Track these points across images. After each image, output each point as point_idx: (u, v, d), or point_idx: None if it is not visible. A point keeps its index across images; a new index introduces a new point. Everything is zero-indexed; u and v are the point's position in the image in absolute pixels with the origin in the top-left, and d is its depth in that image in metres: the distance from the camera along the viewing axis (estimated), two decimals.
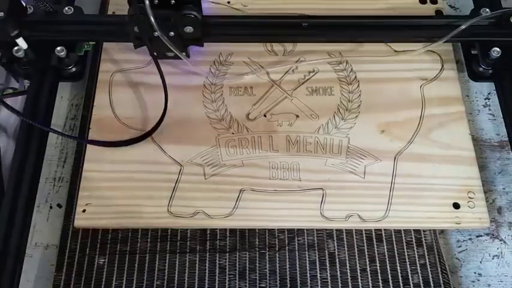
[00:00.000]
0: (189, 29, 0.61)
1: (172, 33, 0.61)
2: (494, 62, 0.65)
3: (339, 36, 0.68)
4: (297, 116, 0.65)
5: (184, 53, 0.64)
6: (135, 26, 0.59)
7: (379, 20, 0.68)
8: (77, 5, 0.69)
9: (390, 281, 0.58)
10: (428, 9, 0.73)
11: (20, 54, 0.62)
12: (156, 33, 0.59)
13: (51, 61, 0.64)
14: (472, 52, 0.69)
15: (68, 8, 0.65)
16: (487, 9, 0.65)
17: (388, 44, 0.70)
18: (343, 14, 0.72)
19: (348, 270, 0.58)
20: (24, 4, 0.63)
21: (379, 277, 0.58)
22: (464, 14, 0.72)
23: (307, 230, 0.61)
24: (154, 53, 0.63)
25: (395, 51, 0.69)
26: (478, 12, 0.65)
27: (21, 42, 0.61)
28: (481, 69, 0.67)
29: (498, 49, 0.64)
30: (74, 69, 0.67)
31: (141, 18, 0.58)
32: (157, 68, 0.63)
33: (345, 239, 0.60)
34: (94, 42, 0.69)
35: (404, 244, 0.60)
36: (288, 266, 0.59)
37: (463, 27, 0.62)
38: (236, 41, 0.70)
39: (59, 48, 0.63)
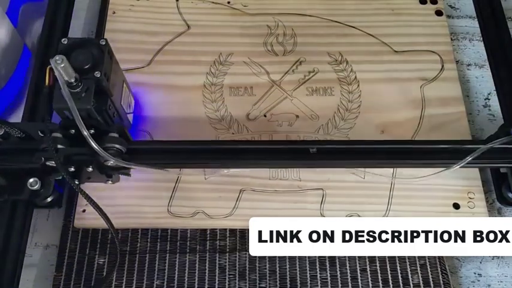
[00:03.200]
0: (110, 163, 0.52)
1: (90, 168, 0.52)
2: None
3: (351, 164, 0.60)
4: (297, 116, 0.65)
5: (110, 181, 0.58)
6: (47, 161, 0.51)
7: (394, 146, 0.58)
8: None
9: (390, 281, 0.58)
10: (428, 9, 0.73)
11: None
12: (71, 169, 0.52)
13: (24, 194, 0.53)
14: (501, 171, 0.61)
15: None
16: None
17: (388, 44, 0.70)
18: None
19: (348, 270, 0.58)
20: None
21: (379, 277, 0.58)
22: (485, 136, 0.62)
23: None
24: (76, 182, 0.53)
25: (395, 51, 0.70)
26: (507, 130, 0.57)
27: None
28: (511, 195, 0.60)
29: None
30: (50, 198, 0.57)
31: (53, 153, 0.49)
32: (85, 197, 0.52)
33: None
34: None
35: None
36: (287, 266, 0.59)
37: (481, 150, 0.54)
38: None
39: (31, 180, 0.52)
